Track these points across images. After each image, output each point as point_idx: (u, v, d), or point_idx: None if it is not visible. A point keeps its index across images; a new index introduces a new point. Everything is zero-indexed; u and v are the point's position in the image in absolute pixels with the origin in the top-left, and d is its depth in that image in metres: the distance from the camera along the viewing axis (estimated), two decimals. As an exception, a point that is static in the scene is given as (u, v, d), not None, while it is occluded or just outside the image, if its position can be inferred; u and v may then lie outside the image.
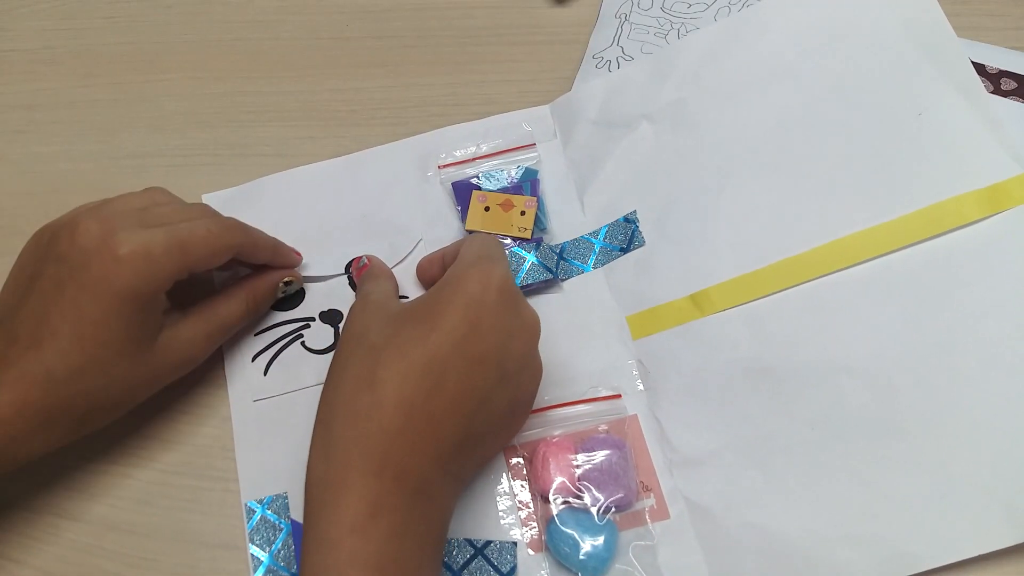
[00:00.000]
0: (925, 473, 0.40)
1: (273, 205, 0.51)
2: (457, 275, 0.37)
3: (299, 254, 0.48)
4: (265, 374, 0.46)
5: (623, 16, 0.56)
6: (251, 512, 0.43)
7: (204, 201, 0.51)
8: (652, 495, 0.43)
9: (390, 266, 0.48)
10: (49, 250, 0.38)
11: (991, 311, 0.42)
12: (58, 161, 0.54)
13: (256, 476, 0.44)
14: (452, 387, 0.35)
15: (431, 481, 0.34)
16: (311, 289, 0.48)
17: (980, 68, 0.50)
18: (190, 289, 0.43)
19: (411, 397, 0.34)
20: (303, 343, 0.47)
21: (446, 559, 0.40)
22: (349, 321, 0.39)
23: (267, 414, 0.45)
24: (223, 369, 0.47)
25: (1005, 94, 0.49)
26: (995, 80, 0.49)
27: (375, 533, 0.32)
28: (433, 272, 0.46)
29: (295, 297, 0.48)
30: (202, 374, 0.47)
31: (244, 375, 0.46)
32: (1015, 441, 0.40)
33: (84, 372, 0.37)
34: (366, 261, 0.48)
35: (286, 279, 0.47)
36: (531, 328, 0.38)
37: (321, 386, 0.37)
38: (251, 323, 0.47)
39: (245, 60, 0.57)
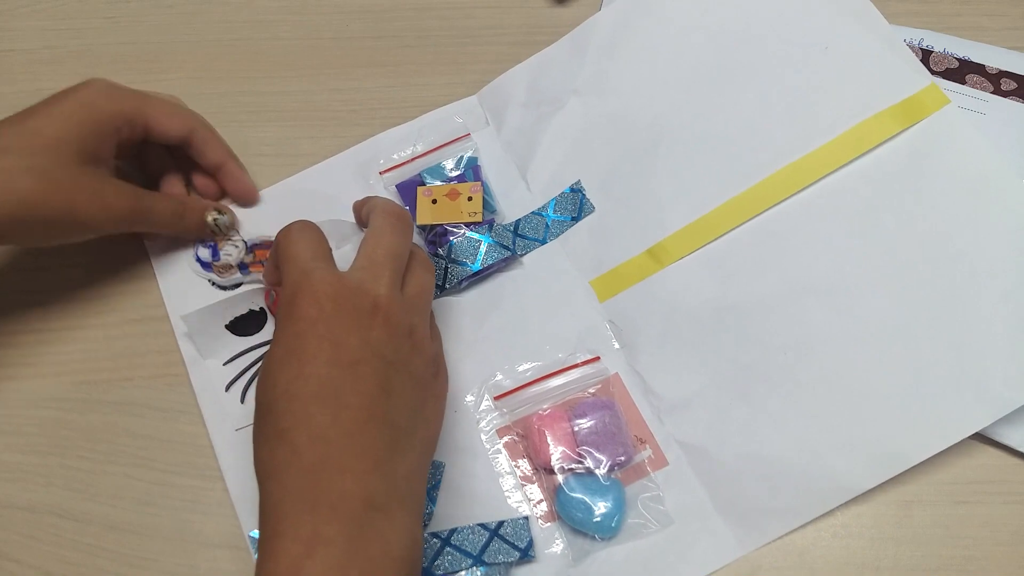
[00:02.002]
0: (896, 373, 0.42)
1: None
2: (289, 296, 0.36)
3: (254, 190, 0.50)
4: (242, 402, 0.46)
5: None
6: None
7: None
8: (648, 446, 0.44)
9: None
10: None
11: (927, 211, 0.44)
12: (58, 161, 0.54)
13: (255, 504, 0.43)
14: (351, 399, 0.34)
15: (377, 493, 0.33)
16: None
17: (980, 68, 0.50)
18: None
19: (319, 430, 0.33)
20: None
21: (465, 547, 0.40)
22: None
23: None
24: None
25: (1005, 94, 0.49)
26: (995, 80, 0.50)
27: (311, 571, 0.31)
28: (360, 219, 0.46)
29: (258, 318, 0.48)
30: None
31: (220, 406, 0.46)
32: (972, 325, 0.42)
33: (8, 150, 0.40)
34: (275, 297, 0.47)
35: (218, 210, 0.48)
36: (385, 306, 0.37)
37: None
38: (217, 352, 0.47)
39: (245, 60, 0.57)
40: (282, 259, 0.38)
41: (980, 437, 0.42)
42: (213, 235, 0.49)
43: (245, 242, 0.49)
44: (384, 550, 0.32)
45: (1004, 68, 0.51)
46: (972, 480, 0.43)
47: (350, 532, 0.32)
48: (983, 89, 0.50)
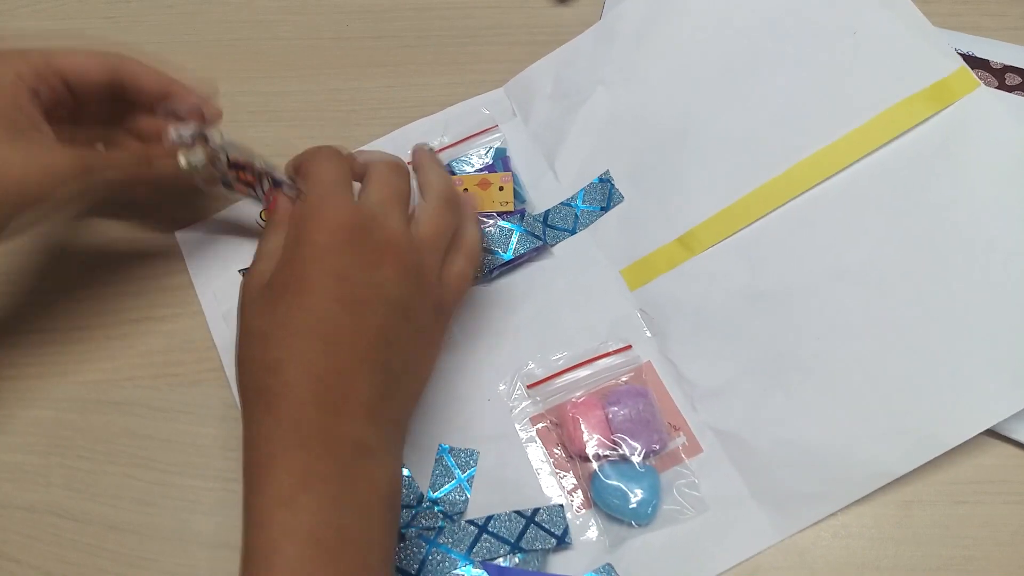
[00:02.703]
0: (931, 358, 0.42)
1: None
2: (302, 217, 0.35)
3: (215, 108, 0.43)
4: None
5: (624, 16, 0.56)
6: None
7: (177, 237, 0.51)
8: (682, 433, 0.44)
9: None
10: None
11: (959, 196, 0.44)
12: (58, 161, 0.54)
13: None
14: (350, 341, 0.34)
15: (367, 437, 0.33)
16: None
17: (984, 63, 0.50)
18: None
19: (314, 368, 0.33)
20: None
21: (502, 534, 0.40)
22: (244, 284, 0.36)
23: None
24: (223, 370, 0.47)
25: (1010, 89, 0.49)
26: (999, 75, 0.50)
27: (306, 503, 0.31)
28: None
29: None
30: (204, 374, 0.47)
31: None
32: (1007, 311, 0.42)
33: None
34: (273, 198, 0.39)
35: (183, 127, 0.40)
36: (396, 241, 0.36)
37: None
38: (215, 273, 0.46)
39: (245, 60, 0.57)
40: (305, 174, 0.37)
41: (989, 432, 0.42)
42: (197, 177, 0.41)
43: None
44: (372, 488, 0.33)
45: (1008, 63, 0.51)
46: (972, 480, 0.42)
47: (341, 471, 0.32)
48: (988, 84, 0.50)
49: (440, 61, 0.56)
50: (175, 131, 0.40)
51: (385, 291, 0.35)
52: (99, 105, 0.42)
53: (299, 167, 0.38)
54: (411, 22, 0.58)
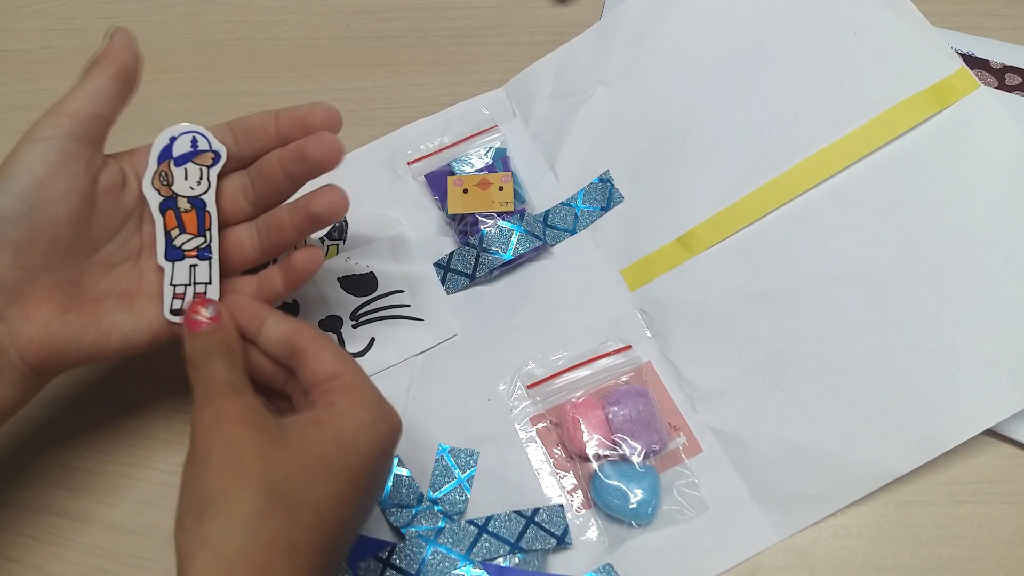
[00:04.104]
0: (931, 358, 0.42)
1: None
2: (372, 424, 0.33)
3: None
4: None
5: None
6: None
7: None
8: (682, 433, 0.44)
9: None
10: None
11: (959, 197, 0.44)
12: (58, 161, 0.54)
13: None
14: (347, 534, 0.32)
15: None
16: (304, 299, 0.48)
17: (984, 63, 0.50)
18: None
19: (321, 563, 0.30)
20: None
21: (502, 534, 0.40)
22: (224, 434, 0.32)
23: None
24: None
25: (1010, 89, 0.49)
26: (999, 75, 0.50)
27: None
28: (266, 344, 0.37)
29: (290, 311, 0.47)
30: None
31: None
32: (1006, 311, 0.42)
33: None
34: (205, 317, 0.36)
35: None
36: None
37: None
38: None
39: (245, 60, 0.57)
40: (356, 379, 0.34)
41: (989, 432, 0.42)
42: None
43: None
44: None
45: (1008, 63, 0.51)
46: (972, 480, 0.42)
47: None
48: (988, 84, 0.50)
49: (440, 61, 0.56)
50: None
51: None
52: None
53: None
54: (411, 22, 0.58)
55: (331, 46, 0.57)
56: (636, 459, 0.42)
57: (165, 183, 0.38)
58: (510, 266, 0.49)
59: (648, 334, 0.47)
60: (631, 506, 0.41)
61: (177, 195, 0.38)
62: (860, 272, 0.44)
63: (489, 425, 0.45)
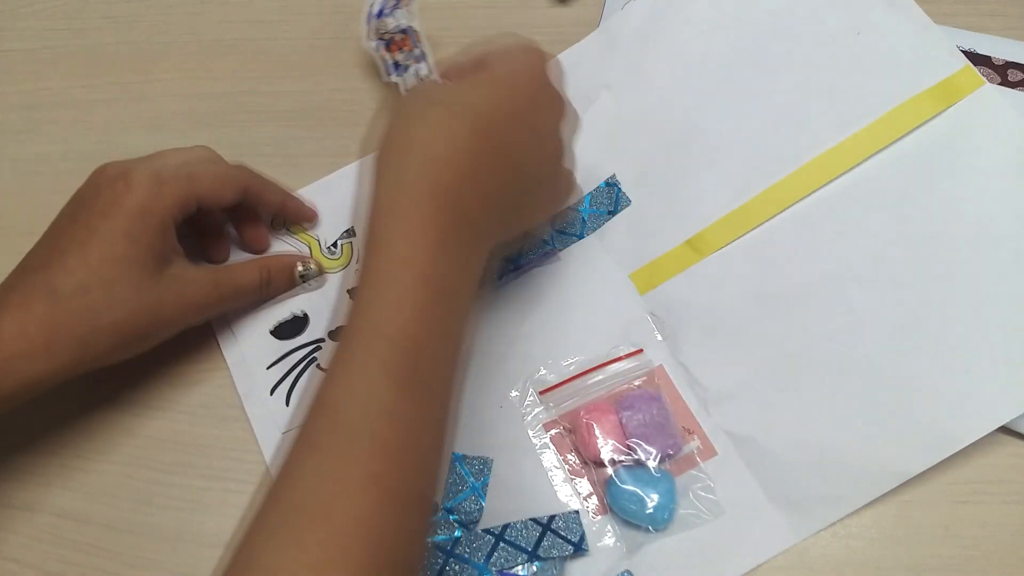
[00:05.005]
0: (945, 356, 0.42)
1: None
2: (513, 50, 0.39)
3: (314, 212, 0.49)
4: (287, 404, 0.46)
5: (624, 16, 0.56)
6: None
7: None
8: (696, 437, 0.44)
9: None
10: (74, 196, 0.41)
11: (967, 194, 0.44)
12: (58, 161, 0.53)
13: None
14: (515, 152, 0.37)
15: (484, 239, 0.37)
16: (315, 312, 0.48)
17: (987, 60, 0.50)
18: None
19: (482, 154, 0.35)
20: (318, 365, 0.46)
21: (519, 542, 0.40)
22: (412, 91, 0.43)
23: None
24: (226, 368, 0.46)
25: (1013, 85, 0.49)
26: (1002, 72, 0.50)
27: (442, 265, 0.34)
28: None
29: (300, 324, 0.48)
30: (203, 374, 0.46)
31: (267, 411, 0.45)
32: (1017, 307, 0.42)
33: (88, 288, 0.37)
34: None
35: (303, 264, 0.47)
36: (566, 110, 0.41)
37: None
38: (261, 356, 0.46)
39: (245, 60, 0.57)
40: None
41: (991, 431, 0.42)
42: (301, 286, 0.48)
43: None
44: (468, 296, 0.37)
45: (1010, 59, 0.51)
46: (972, 480, 0.42)
47: (461, 254, 0.35)
48: (990, 80, 0.50)
49: (439, 61, 0.56)
50: (301, 266, 0.48)
51: (553, 133, 0.40)
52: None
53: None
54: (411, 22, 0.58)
55: (331, 46, 0.57)
56: (651, 463, 0.42)
57: (378, 31, 0.49)
58: (518, 272, 0.48)
59: (659, 337, 0.47)
60: (648, 511, 0.41)
61: (390, 32, 0.49)
62: (870, 271, 0.44)
63: (502, 432, 0.44)
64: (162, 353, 0.47)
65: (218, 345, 0.47)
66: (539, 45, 0.41)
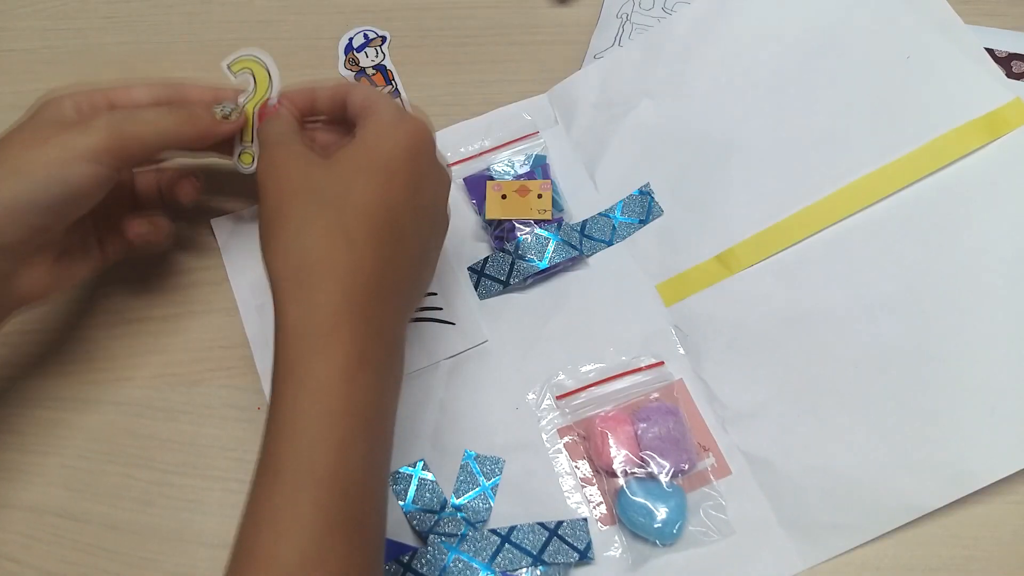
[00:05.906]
0: (970, 392, 0.41)
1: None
2: (390, 125, 0.38)
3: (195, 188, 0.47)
4: None
5: (624, 16, 0.57)
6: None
7: (213, 225, 0.50)
8: (711, 454, 0.43)
9: None
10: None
11: (1006, 230, 0.43)
12: (58, 161, 0.54)
13: None
14: (409, 240, 0.37)
15: (399, 330, 0.37)
16: None
17: (990, 52, 0.50)
18: None
19: (383, 253, 0.35)
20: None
21: (524, 545, 0.40)
22: (276, 169, 0.37)
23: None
24: (226, 369, 0.47)
25: (1017, 76, 0.49)
26: (1005, 64, 0.50)
27: (363, 382, 0.33)
28: (320, 106, 0.44)
29: None
30: (203, 374, 0.47)
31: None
32: None
33: None
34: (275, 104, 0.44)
35: (220, 105, 0.43)
36: (448, 179, 0.41)
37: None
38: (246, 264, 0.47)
39: (245, 60, 0.56)
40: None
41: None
42: (229, 123, 0.43)
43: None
44: (397, 381, 0.36)
45: (1014, 51, 0.50)
46: (972, 480, 0.42)
47: (385, 359, 0.35)
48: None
49: (439, 61, 0.56)
50: (219, 109, 0.43)
51: (439, 205, 0.40)
52: None
53: (327, 95, 0.42)
54: (411, 22, 0.58)
55: (331, 46, 0.57)
56: (664, 478, 0.42)
57: (353, 64, 0.53)
58: (545, 275, 0.48)
59: (681, 351, 0.46)
60: (656, 525, 0.40)
61: (364, 68, 0.54)
62: (902, 301, 0.43)
63: (516, 434, 0.44)
64: (162, 353, 0.47)
65: (219, 346, 0.47)
66: (407, 110, 0.41)
